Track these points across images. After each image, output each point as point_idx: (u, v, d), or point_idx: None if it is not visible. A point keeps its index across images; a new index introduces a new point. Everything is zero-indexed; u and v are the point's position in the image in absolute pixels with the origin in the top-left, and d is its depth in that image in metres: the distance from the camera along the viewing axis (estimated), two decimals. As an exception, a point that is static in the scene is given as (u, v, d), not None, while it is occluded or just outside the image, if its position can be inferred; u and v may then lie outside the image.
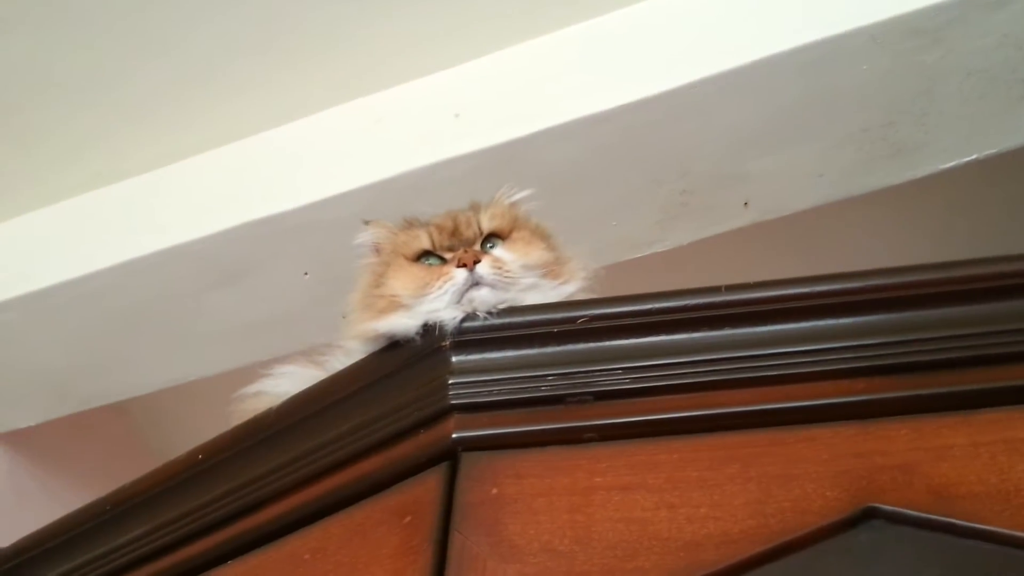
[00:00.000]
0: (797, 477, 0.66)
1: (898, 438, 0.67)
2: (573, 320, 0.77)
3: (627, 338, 0.76)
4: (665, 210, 1.64)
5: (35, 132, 1.68)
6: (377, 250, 0.97)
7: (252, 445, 0.86)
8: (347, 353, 0.88)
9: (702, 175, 1.60)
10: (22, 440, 1.90)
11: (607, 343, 0.76)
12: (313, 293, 1.70)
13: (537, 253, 0.90)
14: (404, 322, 0.83)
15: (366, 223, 0.98)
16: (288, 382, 0.91)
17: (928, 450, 0.66)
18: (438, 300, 0.83)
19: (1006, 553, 0.60)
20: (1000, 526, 0.61)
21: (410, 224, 0.96)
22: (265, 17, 1.54)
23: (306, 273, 1.69)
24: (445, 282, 0.84)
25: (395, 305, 0.85)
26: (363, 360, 0.84)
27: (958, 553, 0.61)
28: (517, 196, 1.00)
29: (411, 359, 0.81)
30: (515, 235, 0.93)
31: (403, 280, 0.87)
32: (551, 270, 0.90)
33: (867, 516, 0.64)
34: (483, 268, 0.85)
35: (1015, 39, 1.44)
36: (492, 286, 0.84)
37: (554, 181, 1.58)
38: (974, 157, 1.58)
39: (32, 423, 1.87)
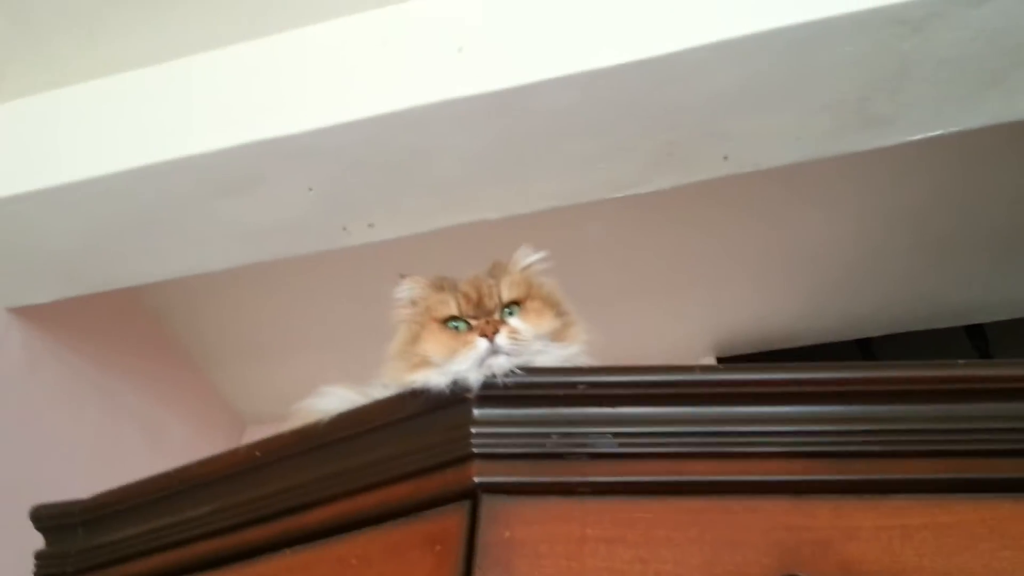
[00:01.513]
0: (741, 544, 0.87)
1: (821, 516, 0.87)
2: (574, 385, 0.95)
3: (617, 406, 0.94)
4: (651, 158, 1.77)
5: (44, 15, 1.76)
6: (412, 302, 1.12)
7: (303, 451, 1.04)
8: (385, 387, 1.05)
9: (688, 130, 1.72)
10: (36, 315, 2.07)
11: (600, 409, 0.94)
12: (316, 206, 1.83)
13: (547, 321, 1.07)
14: (435, 379, 1.01)
15: (402, 277, 1.13)
16: (334, 401, 1.09)
17: (842, 529, 0.86)
18: (463, 363, 1.01)
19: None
20: (885, 601, 0.82)
21: (440, 286, 1.11)
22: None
23: (310, 188, 1.80)
24: (469, 350, 1.01)
25: (427, 363, 1.03)
26: (399, 396, 1.02)
27: (852, 620, 0.82)
28: (533, 259, 1.15)
29: (440, 404, 0.99)
30: (529, 304, 1.09)
31: (434, 345, 1.04)
32: (558, 335, 1.06)
33: (789, 582, 0.84)
34: (501, 339, 1.02)
35: (988, 34, 1.54)
36: (508, 354, 1.01)
37: (550, 125, 1.70)
38: (939, 133, 1.71)
39: (43, 301, 2.02)
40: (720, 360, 2.52)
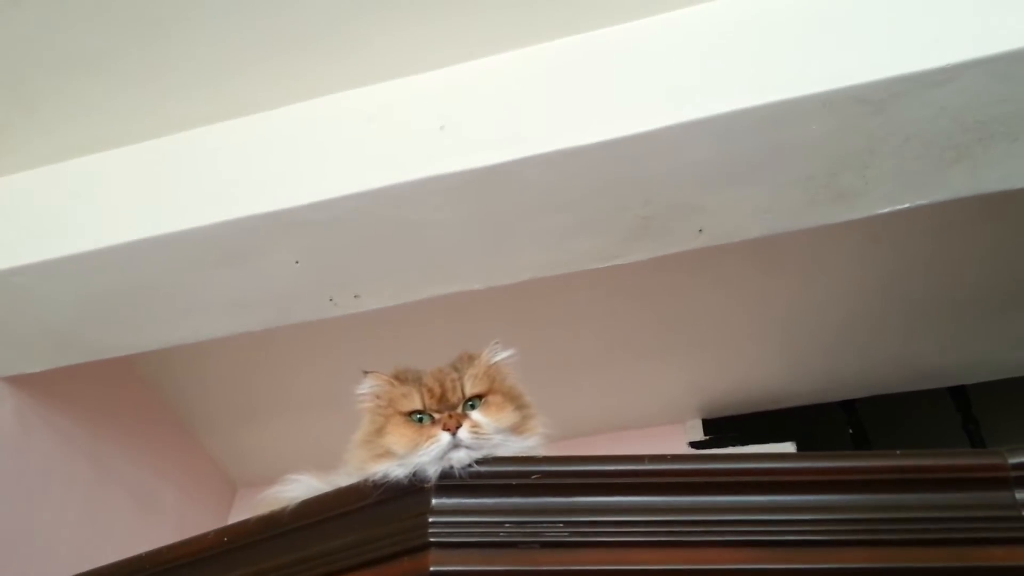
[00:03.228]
0: (686, 633, 0.90)
1: (765, 604, 0.90)
2: (527, 475, 0.99)
3: (569, 495, 0.97)
4: (628, 232, 1.81)
5: (46, 93, 1.84)
6: (377, 396, 1.16)
7: (268, 538, 1.08)
8: (349, 475, 1.09)
9: (663, 204, 1.77)
10: (29, 383, 2.12)
11: (553, 499, 0.97)
12: (302, 278, 1.88)
13: (508, 415, 1.11)
14: (396, 471, 1.05)
15: (366, 373, 1.17)
16: (300, 488, 1.13)
17: (785, 618, 0.89)
18: (425, 456, 1.05)
19: None
20: None
21: (404, 379, 1.15)
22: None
23: (297, 261, 1.85)
24: (432, 444, 1.05)
25: (390, 454, 1.07)
26: (360, 484, 1.06)
27: None
28: (501, 356, 1.19)
29: (399, 493, 1.03)
30: (491, 398, 1.13)
31: (398, 438, 1.08)
32: (518, 428, 1.11)
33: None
34: (463, 433, 1.06)
35: (951, 112, 1.59)
36: (470, 447, 1.05)
37: (530, 200, 1.75)
38: (907, 206, 1.75)
39: (37, 369, 2.08)
40: (706, 421, 2.55)
